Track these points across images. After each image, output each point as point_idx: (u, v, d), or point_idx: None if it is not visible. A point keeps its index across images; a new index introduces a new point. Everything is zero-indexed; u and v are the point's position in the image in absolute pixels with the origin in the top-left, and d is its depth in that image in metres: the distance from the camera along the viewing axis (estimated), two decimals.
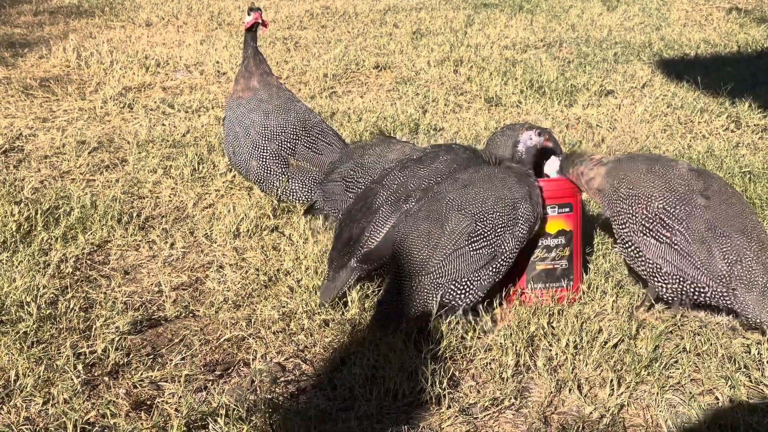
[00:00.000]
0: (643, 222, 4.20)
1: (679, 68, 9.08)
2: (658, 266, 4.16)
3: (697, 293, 4.12)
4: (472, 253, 4.07)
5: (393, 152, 4.99)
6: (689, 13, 12.26)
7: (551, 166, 4.64)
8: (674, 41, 10.38)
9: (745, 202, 4.35)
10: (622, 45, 10.23)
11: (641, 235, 4.20)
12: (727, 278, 4.02)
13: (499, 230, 4.12)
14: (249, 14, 5.59)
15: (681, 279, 4.12)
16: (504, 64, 9.11)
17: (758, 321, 4.02)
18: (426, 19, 11.58)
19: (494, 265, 4.12)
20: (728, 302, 4.06)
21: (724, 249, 4.04)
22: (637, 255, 4.24)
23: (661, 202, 4.18)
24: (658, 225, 4.15)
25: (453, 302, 4.09)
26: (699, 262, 4.06)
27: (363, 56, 9.46)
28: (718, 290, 4.06)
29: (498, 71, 8.73)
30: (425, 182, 4.39)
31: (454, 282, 4.07)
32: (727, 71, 8.85)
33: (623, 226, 4.28)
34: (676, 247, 4.10)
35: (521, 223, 4.18)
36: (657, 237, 4.15)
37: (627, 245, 4.28)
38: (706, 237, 4.07)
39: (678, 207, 4.14)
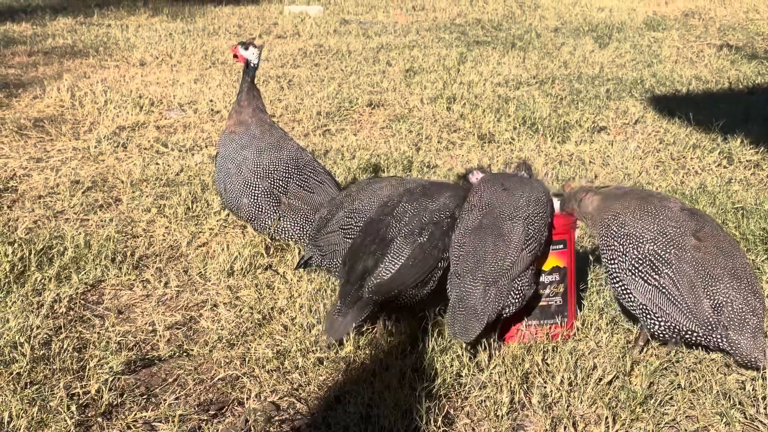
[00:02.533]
0: (633, 262, 4.20)
1: (671, 104, 9.13)
2: (647, 307, 4.16)
3: (686, 335, 4.11)
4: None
5: (384, 189, 4.99)
6: (680, 50, 12.35)
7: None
8: (666, 78, 10.45)
9: (737, 244, 4.35)
10: (614, 82, 10.29)
11: (630, 274, 4.21)
12: (714, 325, 4.03)
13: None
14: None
15: (669, 322, 4.11)
16: (497, 101, 9.16)
17: (751, 359, 4.01)
18: (419, 57, 11.64)
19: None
20: (719, 344, 4.06)
21: (714, 293, 4.04)
22: (625, 292, 4.25)
23: (651, 244, 4.19)
24: (648, 267, 4.16)
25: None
26: (686, 309, 4.06)
27: (356, 94, 9.50)
28: (707, 335, 4.06)
29: (491, 108, 8.77)
30: (436, 216, 4.42)
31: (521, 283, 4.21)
32: (718, 107, 8.90)
33: (612, 262, 4.30)
34: (664, 291, 4.11)
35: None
36: (646, 279, 4.16)
37: (615, 281, 4.30)
38: (695, 282, 4.07)
39: (669, 250, 4.14)
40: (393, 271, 4.28)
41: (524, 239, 4.20)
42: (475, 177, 4.78)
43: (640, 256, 4.19)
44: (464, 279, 4.12)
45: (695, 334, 4.08)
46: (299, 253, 5.33)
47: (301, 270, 5.13)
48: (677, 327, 4.09)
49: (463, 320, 4.05)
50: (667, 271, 4.11)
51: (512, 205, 4.27)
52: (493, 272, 4.11)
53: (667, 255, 4.13)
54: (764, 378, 3.99)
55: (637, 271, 4.19)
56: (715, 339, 4.05)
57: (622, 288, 4.26)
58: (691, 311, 4.04)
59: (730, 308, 4.01)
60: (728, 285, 4.05)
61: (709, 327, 4.03)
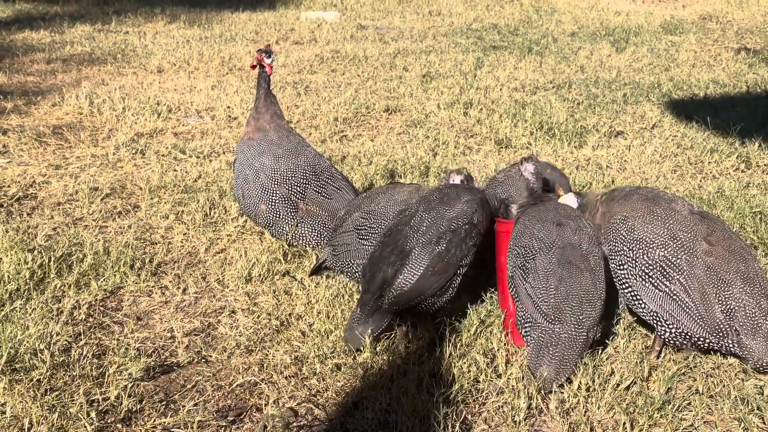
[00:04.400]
0: (643, 268, 4.19)
1: (688, 108, 9.11)
2: (657, 314, 4.15)
3: (698, 342, 4.10)
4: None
5: (401, 194, 5.01)
6: (698, 53, 12.32)
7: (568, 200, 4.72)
8: (683, 82, 10.42)
9: (748, 246, 4.34)
10: (631, 86, 10.27)
11: (641, 280, 4.20)
12: (726, 331, 4.01)
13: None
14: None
15: (680, 329, 4.10)
16: (513, 106, 9.16)
17: (764, 364, 4.00)
18: (435, 62, 11.65)
19: None
20: (732, 350, 4.05)
21: (726, 298, 4.03)
22: (635, 299, 4.24)
23: (662, 250, 4.17)
24: (659, 273, 4.15)
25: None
26: (698, 316, 4.05)
27: (373, 99, 9.51)
28: (719, 341, 4.05)
29: (508, 113, 8.77)
30: (454, 224, 4.42)
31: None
32: (736, 111, 8.88)
33: (621, 268, 4.29)
34: (674, 298, 4.09)
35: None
36: (656, 285, 4.15)
37: (624, 288, 4.29)
38: (706, 288, 4.05)
39: (680, 256, 4.13)
40: (412, 282, 4.30)
41: (604, 272, 4.24)
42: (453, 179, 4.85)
43: (650, 261, 4.18)
44: (566, 325, 4.05)
45: (707, 340, 4.07)
46: (317, 259, 5.34)
47: (318, 276, 5.14)
48: (689, 334, 4.08)
49: (556, 366, 4.00)
50: (678, 277, 4.10)
51: (586, 240, 4.28)
52: (597, 313, 4.12)
53: (678, 261, 4.12)
54: None
55: (647, 277, 4.18)
56: (727, 345, 4.04)
57: (632, 295, 4.25)
58: (703, 319, 4.03)
59: (743, 313, 4.00)
60: (741, 289, 4.04)
61: (721, 334, 4.02)
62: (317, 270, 5.14)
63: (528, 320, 4.14)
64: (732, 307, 4.02)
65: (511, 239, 4.41)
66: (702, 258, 4.12)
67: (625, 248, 4.28)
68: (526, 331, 4.16)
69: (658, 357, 4.29)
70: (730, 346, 4.04)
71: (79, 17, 15.52)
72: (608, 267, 4.36)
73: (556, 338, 4.03)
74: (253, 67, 5.70)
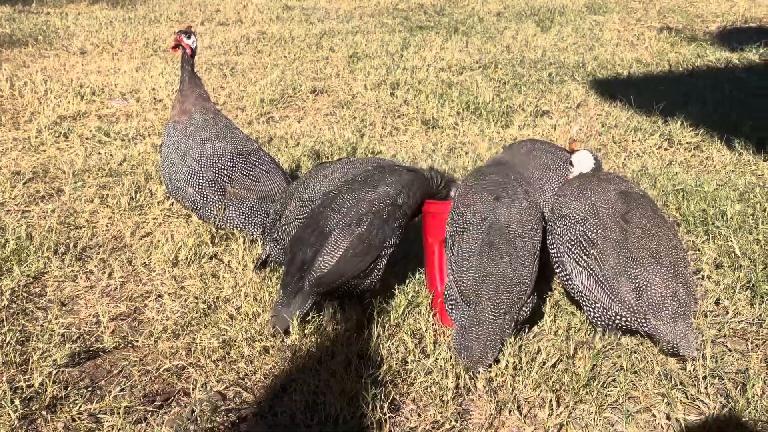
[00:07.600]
0: (567, 244, 4.24)
1: (612, 88, 9.22)
2: (581, 291, 4.19)
3: (617, 320, 4.13)
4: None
5: (333, 173, 4.99)
6: (621, 33, 12.45)
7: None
8: (607, 61, 10.53)
9: (667, 228, 4.31)
10: (556, 65, 10.36)
11: (567, 257, 4.24)
12: (635, 306, 4.04)
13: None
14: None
15: (599, 305, 4.14)
16: (440, 86, 9.18)
17: (673, 346, 4.04)
18: (362, 43, 11.63)
19: None
20: (645, 329, 4.08)
21: (635, 276, 4.07)
22: (566, 278, 4.27)
23: (582, 225, 4.22)
24: (579, 249, 4.19)
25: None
26: (609, 289, 4.08)
27: (300, 81, 9.48)
28: (632, 318, 4.08)
29: (434, 93, 8.79)
30: (375, 206, 4.40)
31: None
32: (659, 90, 9.00)
33: (553, 247, 4.33)
34: (591, 272, 4.13)
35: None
36: (577, 260, 4.19)
37: (557, 266, 4.33)
38: (617, 264, 4.09)
39: (595, 231, 4.17)
40: (332, 264, 4.26)
41: (534, 253, 4.24)
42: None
43: (572, 237, 4.22)
44: (483, 308, 4.05)
45: (619, 316, 4.08)
46: (244, 242, 5.31)
47: (246, 259, 5.11)
48: (606, 311, 4.10)
49: (479, 350, 4.00)
50: (593, 251, 4.14)
51: (517, 219, 4.28)
52: (513, 298, 4.10)
53: (593, 235, 4.16)
54: (704, 358, 4.05)
55: (571, 253, 4.22)
56: (642, 323, 4.06)
57: (563, 273, 4.28)
58: (614, 292, 4.06)
59: (649, 291, 4.02)
60: (648, 268, 4.05)
61: (631, 309, 4.04)
62: (264, 264, 5.08)
63: (452, 296, 4.17)
64: (640, 285, 4.04)
65: (454, 201, 4.45)
66: (616, 234, 4.14)
67: (554, 226, 4.33)
68: (450, 307, 4.18)
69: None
70: (644, 326, 4.06)
71: None
72: (544, 245, 4.41)
73: (477, 320, 4.05)
74: (175, 48, 5.62)
